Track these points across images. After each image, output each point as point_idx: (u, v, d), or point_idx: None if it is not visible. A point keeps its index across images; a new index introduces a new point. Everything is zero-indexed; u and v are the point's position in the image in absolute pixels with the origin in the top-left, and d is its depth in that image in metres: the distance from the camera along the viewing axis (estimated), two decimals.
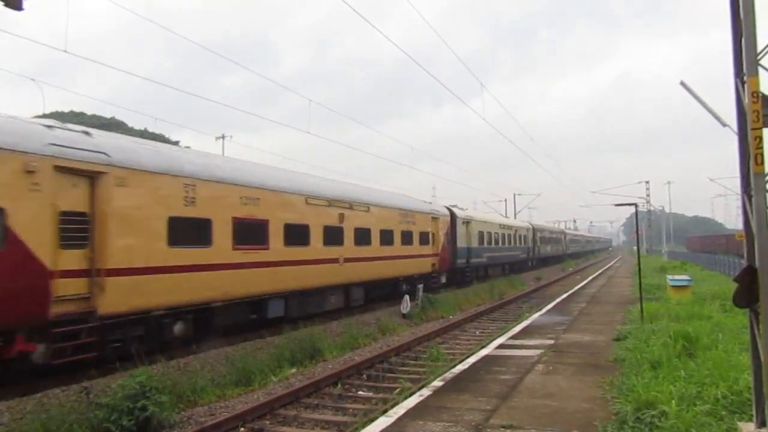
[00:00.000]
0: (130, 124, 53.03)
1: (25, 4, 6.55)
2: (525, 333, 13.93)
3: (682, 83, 16.90)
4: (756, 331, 5.24)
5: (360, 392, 10.50)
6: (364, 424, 7.30)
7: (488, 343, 12.79)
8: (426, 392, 8.28)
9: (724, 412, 6.24)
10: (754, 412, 5.47)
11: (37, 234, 9.39)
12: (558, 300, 22.48)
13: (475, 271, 33.94)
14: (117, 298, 10.58)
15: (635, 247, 27.32)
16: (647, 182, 59.80)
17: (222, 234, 13.23)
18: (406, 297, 20.22)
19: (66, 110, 53.71)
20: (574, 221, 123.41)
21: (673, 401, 6.46)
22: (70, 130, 10.60)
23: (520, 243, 46.05)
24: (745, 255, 5.30)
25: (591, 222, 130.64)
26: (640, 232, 20.92)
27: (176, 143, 51.57)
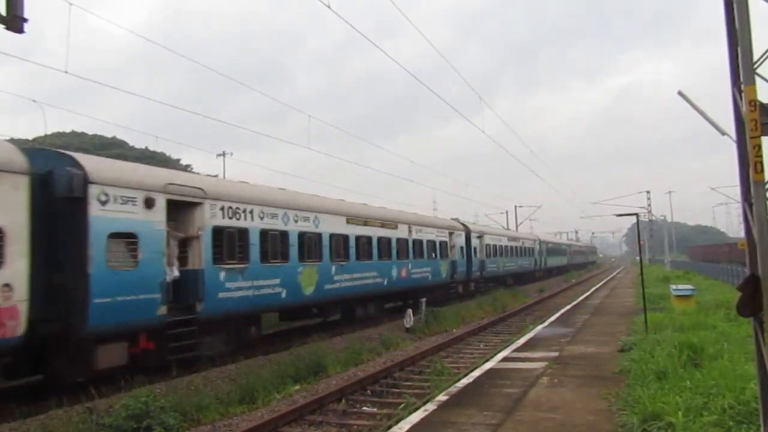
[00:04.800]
0: (131, 143, 53.16)
1: (26, 27, 6.61)
2: (529, 345, 13.87)
3: (680, 93, 16.95)
4: (761, 340, 5.21)
5: (364, 408, 10.43)
6: None
7: (492, 357, 12.73)
8: (431, 407, 8.24)
9: (731, 423, 6.20)
10: (761, 423, 5.42)
11: None
12: (561, 311, 22.41)
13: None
14: None
15: (638, 257, 27.29)
16: (648, 192, 59.77)
17: None
18: (409, 311, 20.16)
19: (68, 130, 53.96)
20: (576, 232, 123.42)
21: (680, 412, 6.42)
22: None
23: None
24: (748, 264, 5.28)
25: (593, 233, 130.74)
26: (642, 242, 20.88)
27: (177, 161, 51.73)
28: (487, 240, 35.71)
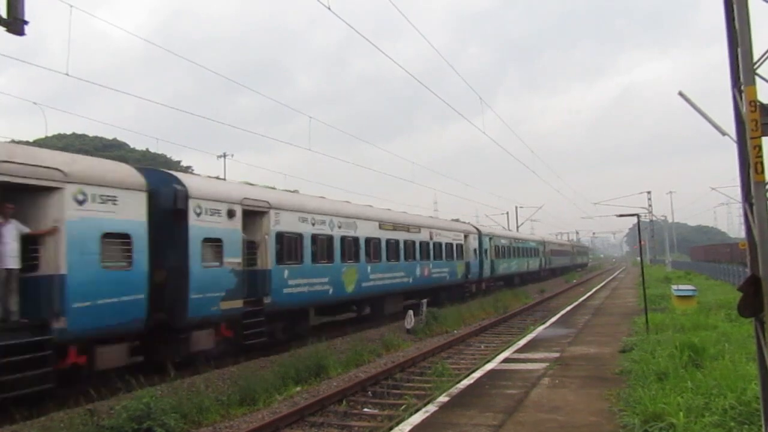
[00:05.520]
0: (132, 145, 53.25)
1: (26, 30, 6.62)
2: (530, 346, 13.86)
3: (681, 93, 16.97)
4: (762, 341, 5.20)
5: (365, 409, 10.43)
6: None
7: (493, 357, 12.73)
8: (432, 408, 8.23)
9: (732, 424, 6.19)
10: (762, 423, 5.41)
11: None
12: (562, 312, 22.39)
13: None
14: None
15: (638, 258, 27.20)
16: (649, 192, 59.66)
17: None
18: (410, 312, 20.12)
19: (68, 132, 54.06)
20: (577, 233, 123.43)
21: (681, 413, 6.42)
22: None
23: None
24: (749, 264, 5.28)
25: (594, 233, 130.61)
26: (642, 242, 20.85)
27: (178, 163, 51.80)
28: (319, 225, 17.15)
